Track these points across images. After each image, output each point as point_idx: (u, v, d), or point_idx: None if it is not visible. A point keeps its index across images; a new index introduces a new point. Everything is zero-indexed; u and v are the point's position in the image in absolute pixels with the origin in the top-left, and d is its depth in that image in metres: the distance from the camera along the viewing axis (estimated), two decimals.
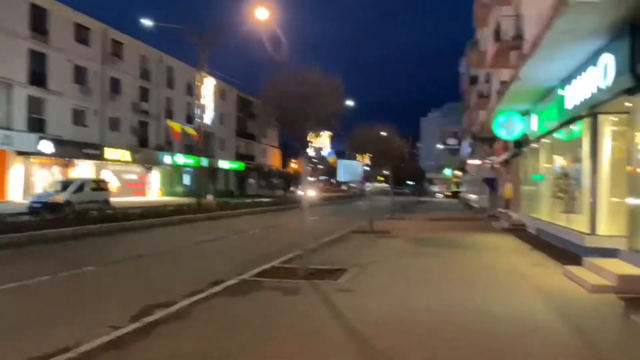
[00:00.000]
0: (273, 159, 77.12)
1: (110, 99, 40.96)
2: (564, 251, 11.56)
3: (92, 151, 37.61)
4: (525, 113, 15.13)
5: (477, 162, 31.48)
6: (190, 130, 27.59)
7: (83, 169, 38.06)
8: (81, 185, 25.38)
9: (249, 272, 9.11)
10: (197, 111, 25.21)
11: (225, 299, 7.15)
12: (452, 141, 48.57)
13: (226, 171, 61.41)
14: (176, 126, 32.93)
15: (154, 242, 14.67)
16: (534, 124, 14.20)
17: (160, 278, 9.31)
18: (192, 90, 54.41)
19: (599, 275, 7.90)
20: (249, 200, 33.88)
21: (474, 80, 40.14)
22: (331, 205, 41.85)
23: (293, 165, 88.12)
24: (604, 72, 7.96)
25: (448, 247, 13.33)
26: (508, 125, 14.97)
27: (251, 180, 69.87)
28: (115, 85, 41.78)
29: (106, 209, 24.61)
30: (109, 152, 39.28)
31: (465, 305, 6.79)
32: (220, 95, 60.68)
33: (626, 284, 7.12)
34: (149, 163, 44.00)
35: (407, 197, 59.09)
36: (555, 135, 12.71)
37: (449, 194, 76.65)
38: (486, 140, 24.04)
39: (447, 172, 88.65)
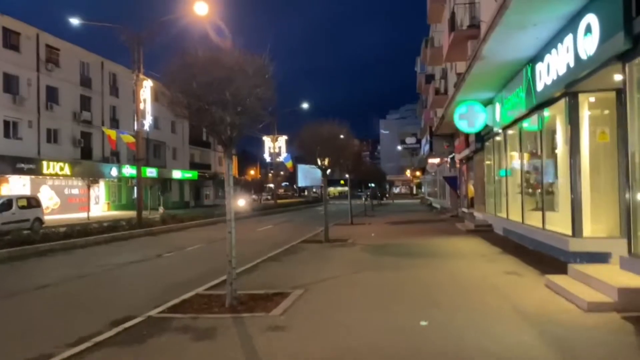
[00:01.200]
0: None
1: (47, 108, 37.98)
2: (539, 255, 10.17)
3: (27, 165, 34.63)
4: (488, 103, 13.81)
5: (436, 160, 30.38)
6: (127, 138, 25.30)
7: (17, 186, 35.05)
8: (6, 203, 22.75)
9: (164, 305, 7.26)
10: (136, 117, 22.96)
11: (112, 351, 5.28)
12: (410, 140, 47.49)
13: (180, 181, 58.75)
14: (111, 133, 30.44)
15: (69, 266, 12.53)
16: (497, 113, 12.88)
17: (50, 318, 7.32)
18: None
19: (591, 287, 6.43)
20: (200, 211, 31.70)
21: (429, 78, 39.33)
22: (289, 212, 40.08)
23: (252, 172, 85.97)
24: (585, 38, 6.52)
25: (409, 255, 11.76)
26: (469, 117, 13.60)
27: (206, 191, 67.34)
28: (52, 94, 38.82)
29: (37, 229, 22.16)
30: (47, 166, 36.30)
31: (428, 339, 5.16)
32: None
33: (629, 299, 5.66)
34: (92, 176, 40.98)
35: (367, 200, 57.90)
36: (523, 124, 11.35)
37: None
38: (445, 137, 22.82)
39: (408, 173, 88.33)
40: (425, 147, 30.12)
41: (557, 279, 7.18)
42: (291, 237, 17.46)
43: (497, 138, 14.12)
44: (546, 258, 9.88)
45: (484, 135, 15.69)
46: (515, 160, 12.43)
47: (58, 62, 39.64)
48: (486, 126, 14.12)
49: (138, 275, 11.04)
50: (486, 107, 13.69)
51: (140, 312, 6.95)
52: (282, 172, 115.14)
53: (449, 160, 26.78)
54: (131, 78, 50.55)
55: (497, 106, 12.82)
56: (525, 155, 11.45)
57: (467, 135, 17.81)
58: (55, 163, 36.97)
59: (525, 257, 10.56)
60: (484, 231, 16.63)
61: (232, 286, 7.09)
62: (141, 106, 22.92)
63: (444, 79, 31.97)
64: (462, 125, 13.74)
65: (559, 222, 8.95)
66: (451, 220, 23.17)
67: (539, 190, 10.21)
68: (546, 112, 9.42)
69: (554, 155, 9.37)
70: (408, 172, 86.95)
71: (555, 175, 9.29)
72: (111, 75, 47.46)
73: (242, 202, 44.99)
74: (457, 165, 23.33)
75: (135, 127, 24.42)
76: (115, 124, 47.25)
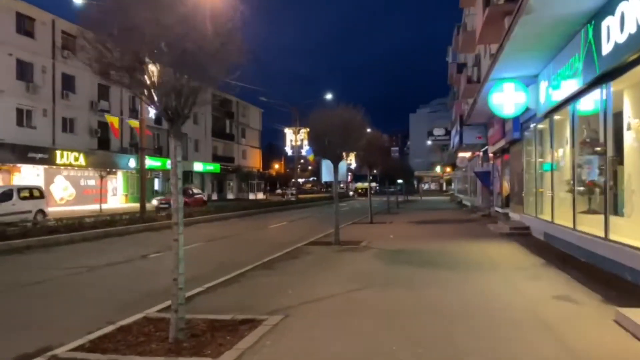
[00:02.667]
0: (254, 160, 73.31)
1: (62, 97, 36.99)
2: (595, 270, 7.98)
3: (40, 155, 33.63)
4: (530, 82, 11.50)
5: (466, 154, 27.95)
6: (133, 123, 23.74)
7: (30, 175, 34.14)
8: (6, 194, 21.51)
9: (93, 334, 5.41)
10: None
11: None
12: (439, 132, 44.52)
13: (202, 174, 57.54)
14: (114, 121, 28.95)
15: (32, 269, 10.85)
16: (542, 94, 10.63)
17: None
18: None
19: None
20: (216, 205, 30.06)
21: (461, 67, 36.93)
22: (310, 208, 38.17)
23: (276, 166, 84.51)
24: None
25: (429, 266, 9.65)
26: (506, 98, 11.33)
27: (229, 184, 66.09)
28: (68, 82, 37.81)
29: (38, 221, 20.79)
30: (61, 156, 35.28)
31: None
32: None
33: None
34: (108, 167, 39.89)
35: (394, 197, 55.40)
36: (577, 105, 9.09)
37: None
38: (477, 127, 20.48)
39: (437, 169, 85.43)
40: (455, 139, 27.74)
41: (634, 314, 5.03)
42: (301, 236, 15.57)
43: (541, 125, 11.86)
44: (605, 275, 7.67)
45: (523, 123, 13.41)
46: (565, 152, 10.17)
47: (75, 49, 38.56)
48: (527, 110, 11.83)
49: (103, 283, 9.25)
50: (528, 87, 11.39)
51: (59, 341, 5.15)
52: (310, 167, 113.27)
53: (481, 153, 24.37)
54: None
55: (542, 85, 10.57)
56: (579, 145, 9.19)
57: (502, 124, 15.51)
58: (69, 153, 35.95)
59: (576, 272, 8.35)
60: (521, 235, 14.39)
61: (178, 314, 5.17)
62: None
63: (476, 66, 29.50)
64: (498, 108, 11.48)
65: (629, 231, 6.74)
66: (482, 221, 20.83)
67: (599, 190, 7.98)
68: (613, 86, 7.17)
69: (622, 145, 7.14)
70: (438, 168, 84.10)
71: (624, 171, 7.06)
72: None
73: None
74: (490, 159, 20.96)
75: (139, 115, 22.91)
76: (134, 114, 46.13)
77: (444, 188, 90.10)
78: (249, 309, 6.38)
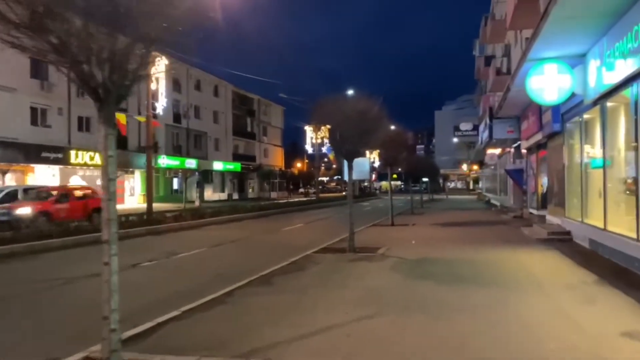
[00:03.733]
0: (276, 158, 72.19)
1: (78, 95, 36.21)
2: None
3: (54, 154, 32.95)
4: (576, 62, 9.77)
5: (496, 151, 26.03)
6: (141, 118, 22.66)
7: (45, 175, 33.53)
8: (10, 195, 20.63)
9: None
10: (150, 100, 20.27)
11: None
12: (466, 126, 42.24)
13: (223, 173, 56.59)
14: (120, 117, 27.85)
15: None
16: (591, 76, 8.94)
17: None
18: (180, 86, 49.88)
19: None
20: (232, 205, 28.82)
21: (489, 60, 34.97)
22: (331, 208, 36.65)
23: (298, 165, 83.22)
24: None
25: (456, 282, 8.08)
26: (547, 82, 9.61)
27: (251, 183, 65.09)
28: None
29: (41, 223, 19.78)
30: (75, 156, 34.57)
31: None
32: (213, 91, 56.13)
33: None
34: (124, 166, 39.17)
35: (418, 196, 53.42)
36: (634, 90, 7.39)
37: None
38: (509, 120, 18.66)
39: (464, 167, 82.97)
40: (483, 135, 25.89)
41: None
42: (314, 241, 14.16)
43: (588, 115, 10.16)
44: None
45: (564, 113, 11.69)
46: (620, 145, 8.48)
47: None
48: (570, 97, 10.10)
49: (72, 300, 7.95)
50: (573, 69, 9.67)
51: None
52: (334, 166, 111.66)
53: (512, 150, 22.52)
54: (174, 65, 48.94)
55: (592, 65, 8.89)
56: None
57: (539, 115, 13.77)
58: (84, 152, 35.21)
59: None
60: (561, 241, 12.66)
61: None
62: (152, 86, 20.13)
63: (506, 57, 27.63)
64: (537, 94, 9.76)
65: None
66: (514, 223, 19.04)
67: None
68: None
69: None
70: (464, 166, 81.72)
71: None
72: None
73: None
74: (524, 156, 19.15)
75: (154, 111, 21.83)
76: (153, 113, 45.43)
77: (471, 186, 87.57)
78: (221, 347, 4.96)
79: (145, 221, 18.42)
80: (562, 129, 12.02)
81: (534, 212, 16.81)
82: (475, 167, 67.91)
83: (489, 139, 21.14)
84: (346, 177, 39.69)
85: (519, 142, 19.92)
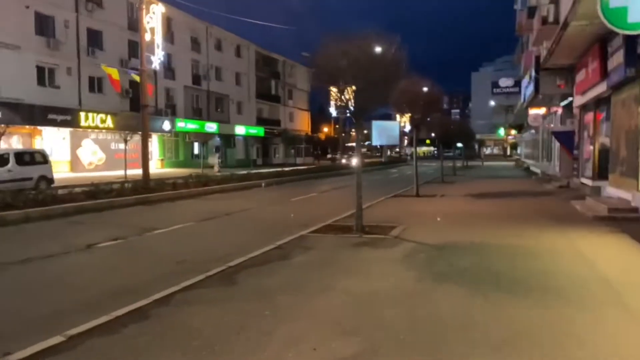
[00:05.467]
0: (302, 123, 69.60)
1: (88, 54, 34.42)
2: None
3: (61, 117, 31.32)
4: None
5: (540, 111, 22.87)
6: (137, 77, 20.49)
7: (55, 139, 32.11)
8: (0, 158, 18.92)
9: None
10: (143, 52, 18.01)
11: None
12: (505, 82, 38.31)
13: (246, 138, 54.48)
14: (112, 72, 25.60)
15: None
16: None
17: None
18: (199, 46, 47.56)
19: None
20: (248, 172, 26.63)
21: (533, 11, 31.24)
22: (351, 175, 34.12)
23: (325, 129, 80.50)
24: None
25: (493, 288, 5.64)
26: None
27: (276, 148, 62.96)
28: (94, 38, 35.20)
29: (40, 189, 17.94)
30: (85, 118, 32.90)
31: None
32: (235, 52, 53.58)
33: None
34: (140, 129, 37.39)
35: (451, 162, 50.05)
36: None
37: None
38: (559, 72, 15.61)
39: (501, 131, 78.72)
40: (526, 91, 22.68)
41: None
42: (320, 215, 11.97)
43: None
44: None
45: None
46: None
47: (101, 2, 35.71)
48: None
49: None
50: None
51: None
52: (365, 131, 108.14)
53: (560, 109, 19.43)
54: (190, 24, 46.49)
55: None
56: None
57: (603, 59, 10.84)
58: (95, 114, 33.52)
59: None
60: (627, 220, 10.01)
61: None
62: (147, 37, 17.80)
63: (553, 3, 24.06)
64: (616, 16, 6.90)
65: None
66: (562, 195, 16.25)
67: None
68: None
69: None
70: (501, 130, 77.51)
71: None
72: (166, 19, 43.02)
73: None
74: (576, 115, 16.16)
75: (150, 65, 19.60)
76: (170, 74, 43.43)
77: (508, 152, 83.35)
78: None
79: (137, 189, 16.40)
80: (638, 74, 9.15)
81: (588, 182, 13.99)
82: (513, 131, 63.87)
83: (534, 95, 18.07)
84: (374, 142, 36.50)
85: (570, 99, 16.86)
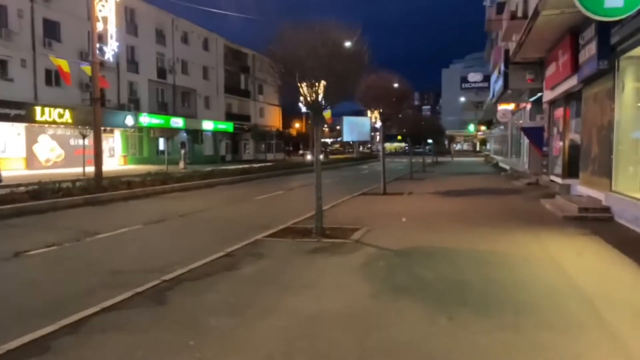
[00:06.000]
0: (272, 119, 68.55)
1: (45, 46, 32.78)
2: None
3: (15, 111, 29.74)
4: None
5: (509, 107, 22.57)
6: (88, 69, 19.30)
7: (8, 134, 30.46)
8: None
9: None
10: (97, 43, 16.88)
11: None
12: (474, 77, 38.05)
13: (215, 133, 53.17)
14: (62, 64, 24.15)
15: None
16: None
17: None
18: (165, 39, 46.09)
19: None
20: (213, 169, 25.58)
21: (502, 7, 31.08)
22: (324, 172, 33.40)
23: (297, 125, 79.59)
24: None
25: (459, 306, 5.01)
26: None
27: (246, 144, 61.80)
28: (51, 29, 33.54)
29: None
30: (41, 112, 31.32)
31: None
32: (203, 45, 52.22)
33: None
34: (101, 125, 35.82)
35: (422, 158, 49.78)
36: None
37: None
38: (529, 67, 15.19)
39: (471, 127, 79.29)
40: (495, 86, 22.35)
41: None
42: (282, 215, 11.38)
43: None
44: None
45: (619, 42, 8.32)
46: None
47: None
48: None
49: None
50: None
51: None
52: (338, 127, 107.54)
53: (528, 105, 19.09)
54: (154, 16, 44.92)
55: None
56: None
57: (574, 52, 10.36)
58: (52, 109, 31.94)
59: None
60: (598, 221, 9.59)
61: None
62: (99, 26, 16.67)
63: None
64: (591, 2, 6.30)
65: None
66: (530, 192, 15.89)
67: None
68: None
69: None
70: (471, 127, 78.04)
71: None
72: (129, 10, 41.58)
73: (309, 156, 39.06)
74: (545, 111, 15.77)
75: (102, 56, 18.43)
76: (133, 67, 41.92)
77: (478, 148, 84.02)
78: None
79: (87, 189, 15.33)
80: (613, 66, 8.65)
81: (558, 180, 13.59)
82: (482, 127, 64.25)
83: (503, 90, 17.65)
84: (346, 138, 35.91)
85: (539, 94, 16.51)
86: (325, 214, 11.65)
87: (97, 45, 17.08)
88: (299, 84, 8.72)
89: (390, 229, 9.45)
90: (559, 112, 13.68)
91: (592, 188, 10.34)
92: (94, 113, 16.96)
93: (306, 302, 5.06)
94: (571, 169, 12.72)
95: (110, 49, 17.65)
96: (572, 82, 10.82)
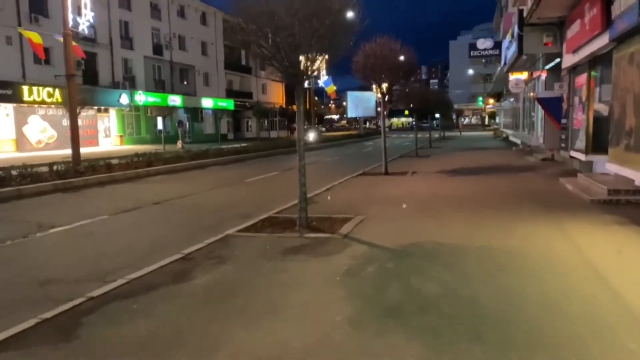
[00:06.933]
0: (275, 95, 66.83)
1: (31, 21, 31.20)
2: None
3: (0, 91, 28.35)
4: None
5: (522, 76, 20.86)
6: (62, 40, 17.78)
7: None
8: None
9: None
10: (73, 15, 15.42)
11: None
12: (485, 44, 35.86)
13: (214, 111, 51.67)
14: (32, 36, 22.43)
15: None
16: None
17: None
18: (160, 13, 44.32)
19: None
20: (207, 149, 24.18)
21: None
22: (325, 150, 32.16)
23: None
24: None
25: (464, 333, 3.66)
26: None
27: (248, 122, 60.33)
28: (37, 4, 31.90)
29: None
30: (29, 92, 29.97)
31: None
32: (200, 19, 50.41)
33: None
34: (94, 104, 34.52)
35: (428, 133, 48.12)
36: None
37: None
38: (546, 29, 13.53)
39: (480, 101, 77.11)
40: (507, 53, 20.61)
41: None
42: (272, 200, 10.45)
43: None
44: None
45: None
46: None
47: None
48: None
49: None
50: None
51: None
52: (344, 103, 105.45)
53: (544, 74, 17.42)
54: None
55: None
56: None
57: (603, 5, 8.78)
58: (41, 88, 30.56)
59: None
60: (633, 204, 8.17)
61: None
62: None
63: None
64: None
65: None
66: (547, 169, 14.44)
67: None
68: None
69: None
70: (480, 100, 75.88)
71: None
72: None
73: (311, 135, 37.87)
74: (562, 79, 14.17)
75: (77, 29, 16.97)
76: (127, 43, 40.33)
77: (487, 122, 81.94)
78: None
79: (61, 173, 14.05)
80: None
81: (580, 156, 12.09)
82: (491, 100, 62.19)
83: (516, 56, 15.99)
84: (350, 114, 34.12)
85: (556, 61, 14.89)
86: (316, 199, 10.36)
87: (71, 15, 15.60)
88: (276, 47, 7.24)
89: (388, 219, 8.08)
90: (582, 79, 12.09)
91: (624, 166, 8.87)
92: (68, 90, 15.55)
93: (262, 336, 3.72)
94: (596, 144, 11.22)
95: (85, 20, 16.21)
96: (602, 41, 9.24)
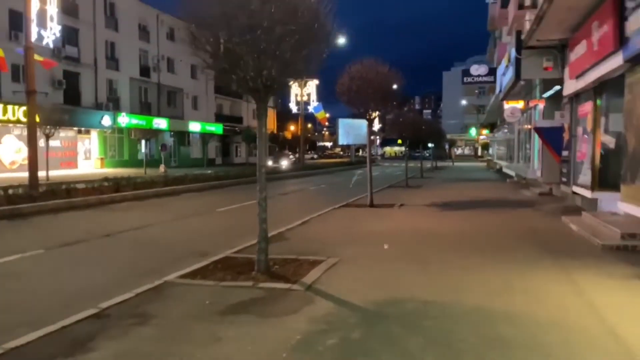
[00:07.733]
0: (267, 120, 65.78)
1: (10, 39, 30.17)
2: None
3: None
4: None
5: (518, 105, 19.86)
6: (39, 57, 16.68)
7: None
8: None
9: None
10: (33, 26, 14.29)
11: None
12: (479, 70, 35.10)
13: (202, 135, 50.52)
14: None
15: None
16: None
17: None
18: (149, 35, 43.56)
19: None
20: (185, 174, 22.83)
21: (506, 1, 28.67)
22: (312, 177, 30.98)
23: (292, 128, 77.03)
24: None
25: None
26: None
27: (237, 147, 59.26)
28: (16, 20, 30.83)
29: None
30: (3, 111, 28.72)
31: None
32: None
33: None
34: (73, 124, 33.28)
35: (420, 163, 46.88)
36: None
37: None
38: (546, 53, 12.49)
39: (472, 131, 76.71)
40: (503, 79, 19.69)
41: None
42: (239, 234, 9.22)
43: None
44: None
45: None
46: None
47: None
48: None
49: None
50: None
51: None
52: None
53: (542, 103, 16.42)
54: (137, 10, 42.28)
55: None
56: None
57: (617, 21, 7.70)
58: (17, 107, 29.32)
59: None
60: None
61: None
62: (34, 7, 14.06)
63: None
64: None
65: None
66: (546, 205, 13.26)
67: None
68: None
69: None
70: (473, 130, 75.45)
71: None
72: (108, 4, 39.07)
73: (284, 162, 37.09)
74: (566, 107, 13.09)
75: (25, 41, 15.82)
76: (113, 64, 39.35)
77: (479, 153, 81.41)
78: None
79: (12, 199, 12.69)
80: None
81: (585, 192, 10.90)
82: (484, 131, 61.58)
83: (514, 81, 14.94)
84: (341, 141, 32.64)
85: (555, 89, 13.86)
86: (288, 235, 9.10)
87: (36, 29, 14.47)
88: (232, 56, 6.07)
89: (365, 263, 6.79)
90: (586, 107, 11.00)
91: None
92: (28, 109, 14.30)
93: None
94: (602, 179, 10.06)
95: (51, 34, 15.08)
96: (613, 63, 8.13)
